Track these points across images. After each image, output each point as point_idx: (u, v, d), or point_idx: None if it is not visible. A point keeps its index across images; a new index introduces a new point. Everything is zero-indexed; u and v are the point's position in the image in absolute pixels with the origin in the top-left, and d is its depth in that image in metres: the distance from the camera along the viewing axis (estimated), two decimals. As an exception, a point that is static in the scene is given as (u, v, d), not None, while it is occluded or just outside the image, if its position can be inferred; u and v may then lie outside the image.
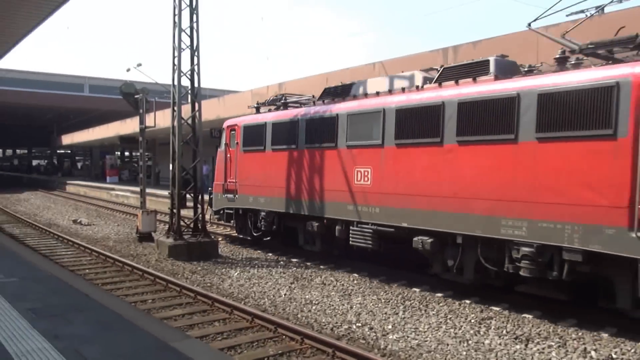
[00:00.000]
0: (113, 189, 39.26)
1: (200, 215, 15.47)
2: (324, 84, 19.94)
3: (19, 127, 69.74)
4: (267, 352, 7.47)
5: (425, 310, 9.57)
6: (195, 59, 15.11)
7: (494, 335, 8.22)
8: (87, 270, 13.12)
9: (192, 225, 15.50)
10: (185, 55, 14.98)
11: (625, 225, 7.52)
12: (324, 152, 12.85)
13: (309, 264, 13.83)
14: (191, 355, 5.24)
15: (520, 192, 8.75)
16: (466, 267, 10.03)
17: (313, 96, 15.14)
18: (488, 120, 9.26)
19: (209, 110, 24.34)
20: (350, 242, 12.09)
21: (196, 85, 15.25)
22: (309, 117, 13.45)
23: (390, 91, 11.84)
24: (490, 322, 8.83)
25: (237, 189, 15.97)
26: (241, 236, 16.60)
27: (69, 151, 78.70)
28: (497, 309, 9.57)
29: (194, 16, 14.90)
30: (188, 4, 14.82)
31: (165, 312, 9.37)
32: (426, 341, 8.03)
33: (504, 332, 8.39)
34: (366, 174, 11.63)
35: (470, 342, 7.97)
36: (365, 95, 12.46)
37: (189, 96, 15.54)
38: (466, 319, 9.04)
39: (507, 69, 10.02)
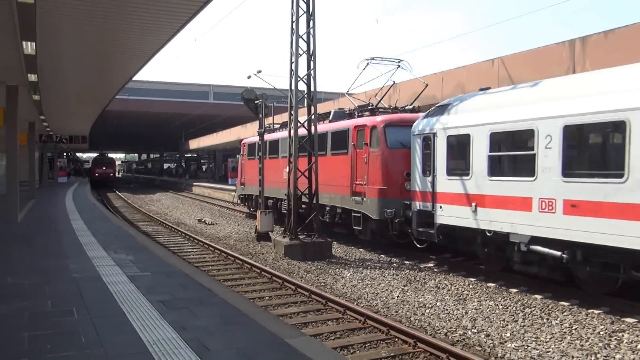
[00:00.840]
0: (235, 191, 41.25)
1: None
2: (439, 83, 19.55)
3: (152, 134, 75.75)
4: (379, 354, 7.47)
5: (548, 319, 9.03)
6: (312, 63, 15.50)
7: (627, 350, 7.56)
8: (210, 267, 13.95)
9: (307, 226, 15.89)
10: (302, 60, 15.44)
11: (349, 194, 16.03)
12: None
13: (422, 266, 13.61)
14: (306, 352, 5.38)
15: (327, 179, 16.97)
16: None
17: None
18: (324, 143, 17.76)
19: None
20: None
21: (312, 89, 15.63)
22: None
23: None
24: (622, 336, 8.13)
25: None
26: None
27: (195, 155, 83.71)
28: (631, 320, 8.79)
29: (311, 22, 15.28)
30: (305, 10, 15.24)
31: (281, 310, 9.71)
32: (548, 352, 7.57)
33: (639, 346, 7.69)
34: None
35: (598, 355, 7.40)
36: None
37: (305, 100, 15.97)
38: (594, 330, 8.40)
39: (340, 116, 18.31)
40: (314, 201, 15.68)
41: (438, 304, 10.11)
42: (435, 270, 13.14)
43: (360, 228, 15.81)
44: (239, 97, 20.85)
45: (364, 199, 15.45)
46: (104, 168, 64.55)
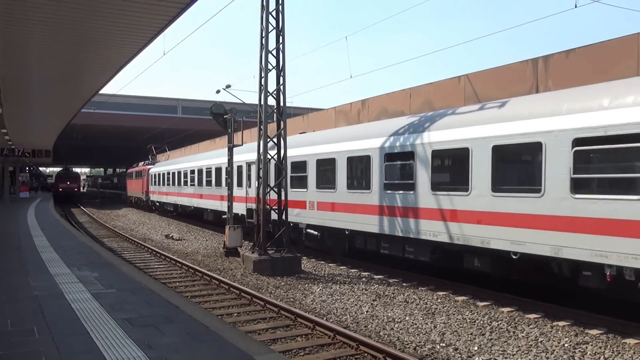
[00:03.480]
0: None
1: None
2: (407, 99, 19.83)
3: (119, 148, 74.52)
4: (349, 369, 7.43)
5: (514, 332, 9.16)
6: (282, 79, 15.54)
7: (590, 362, 7.71)
8: (177, 283, 13.73)
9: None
10: (272, 75, 15.46)
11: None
12: None
13: (391, 281, 13.67)
14: (274, 369, 5.32)
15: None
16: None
17: None
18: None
19: (294, 128, 24.88)
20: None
21: (282, 104, 15.65)
22: None
23: None
24: (586, 348, 8.29)
25: None
26: None
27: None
28: (594, 332, 8.98)
29: (280, 37, 15.35)
30: (274, 26, 15.30)
31: (250, 326, 9.61)
32: (515, 365, 7.67)
33: (602, 358, 7.85)
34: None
35: (563, 367, 7.52)
36: None
37: (275, 115, 15.97)
38: (559, 342, 8.55)
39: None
40: (283, 217, 15.63)
41: (407, 318, 10.15)
42: (404, 284, 13.20)
43: None
44: (208, 111, 20.73)
45: None
46: (68, 183, 63.22)
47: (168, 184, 37.63)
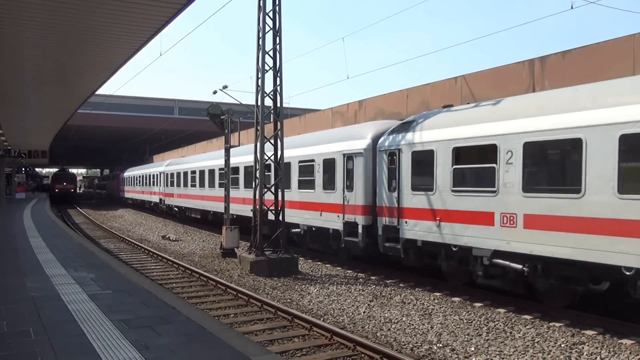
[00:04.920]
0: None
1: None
2: (404, 100, 19.85)
3: (115, 148, 74.38)
4: (346, 370, 7.43)
5: (511, 333, 9.17)
6: (278, 79, 15.53)
7: (587, 362, 7.73)
8: (174, 284, 13.70)
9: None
10: (269, 76, 15.45)
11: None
12: None
13: (388, 281, 13.68)
14: (271, 370, 5.31)
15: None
16: None
17: None
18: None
19: (291, 129, 24.88)
20: None
21: (279, 104, 15.64)
22: None
23: None
24: (583, 348, 8.31)
25: None
26: None
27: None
28: (591, 333, 9.00)
29: (277, 38, 15.35)
30: (271, 27, 15.29)
31: (247, 327, 9.59)
32: (512, 365, 7.68)
33: (598, 359, 7.87)
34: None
35: (560, 368, 7.54)
36: None
37: (272, 116, 15.96)
38: (555, 343, 8.56)
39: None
40: (280, 217, 15.62)
41: (404, 319, 10.15)
42: (401, 285, 13.21)
43: None
44: (205, 112, 20.72)
45: None
46: (65, 184, 63.05)
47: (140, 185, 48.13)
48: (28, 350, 5.85)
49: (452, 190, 11.68)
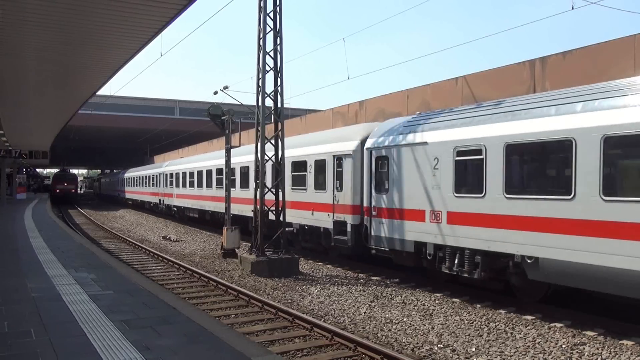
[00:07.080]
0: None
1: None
2: (404, 100, 19.85)
3: (116, 149, 74.38)
4: (346, 371, 7.42)
5: (512, 334, 9.16)
6: (279, 80, 15.53)
7: (588, 363, 7.72)
8: (174, 285, 13.70)
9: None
10: (269, 77, 15.46)
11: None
12: None
13: (388, 282, 13.67)
14: (271, 370, 5.31)
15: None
16: None
17: None
18: None
19: (292, 129, 24.87)
20: None
21: (279, 105, 15.64)
22: None
23: None
24: (584, 349, 8.31)
25: None
26: None
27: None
28: (592, 334, 9.00)
29: (278, 39, 15.35)
30: (272, 27, 15.30)
31: (248, 327, 9.59)
32: (512, 366, 7.67)
33: (599, 359, 7.86)
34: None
35: (560, 368, 7.53)
36: None
37: (272, 116, 15.96)
38: (556, 344, 8.56)
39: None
40: (281, 218, 15.61)
41: (405, 319, 10.15)
42: (401, 285, 13.21)
43: None
44: (206, 112, 20.70)
45: None
46: (66, 184, 63.13)
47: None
48: (29, 351, 5.85)
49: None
